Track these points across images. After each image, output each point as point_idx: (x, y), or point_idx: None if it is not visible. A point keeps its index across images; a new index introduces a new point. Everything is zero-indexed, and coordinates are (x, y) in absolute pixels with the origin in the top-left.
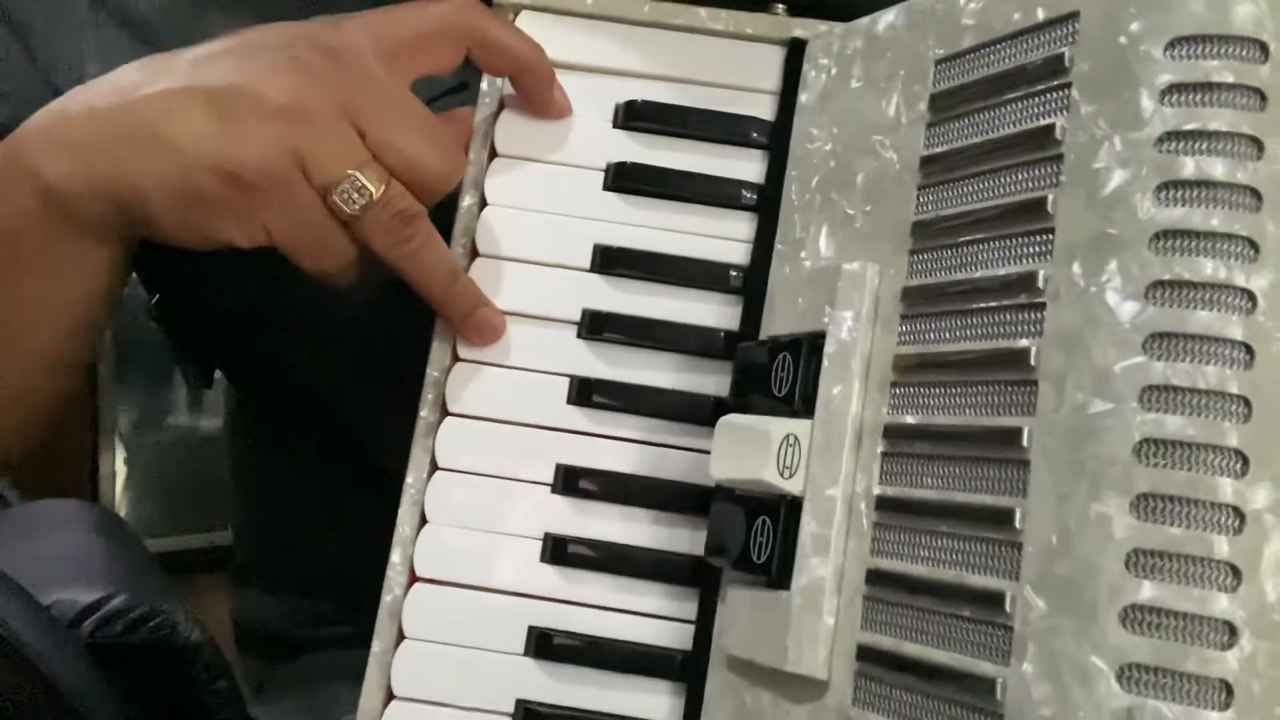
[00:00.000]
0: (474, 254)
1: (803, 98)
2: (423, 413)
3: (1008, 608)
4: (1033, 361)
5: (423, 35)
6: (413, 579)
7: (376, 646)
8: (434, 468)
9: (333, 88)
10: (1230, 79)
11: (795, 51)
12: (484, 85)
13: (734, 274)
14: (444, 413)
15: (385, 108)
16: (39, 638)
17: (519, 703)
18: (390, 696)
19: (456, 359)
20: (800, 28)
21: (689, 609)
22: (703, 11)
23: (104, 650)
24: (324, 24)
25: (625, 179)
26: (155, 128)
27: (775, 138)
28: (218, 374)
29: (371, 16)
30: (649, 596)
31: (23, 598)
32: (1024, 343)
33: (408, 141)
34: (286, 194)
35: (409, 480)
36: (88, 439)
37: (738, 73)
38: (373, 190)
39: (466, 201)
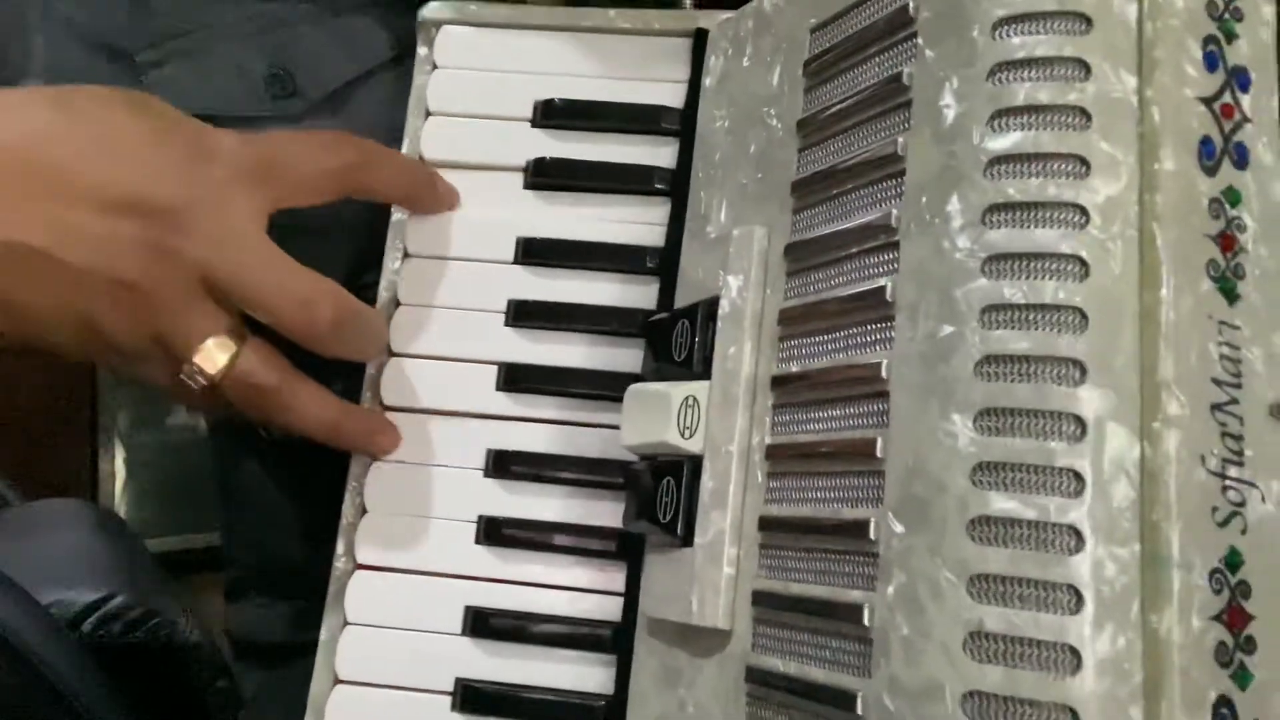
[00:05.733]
0: (405, 254)
1: (706, 82)
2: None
3: (872, 534)
4: (889, 297)
5: (302, 176)
6: (356, 567)
7: (324, 634)
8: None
9: (185, 249)
10: (1053, 6)
11: (700, 41)
12: (416, 79)
13: (650, 257)
14: (381, 407)
15: (244, 261)
16: (38, 637)
17: (458, 681)
18: (337, 681)
19: (391, 354)
20: (704, 19)
21: (620, 581)
22: (611, 12)
23: (104, 650)
24: (196, 131)
25: (544, 174)
26: None
27: (685, 124)
28: None
29: (252, 141)
30: (581, 571)
31: (23, 598)
32: (882, 281)
33: (266, 294)
34: (145, 365)
35: (352, 472)
36: (87, 439)
37: (651, 66)
38: (210, 371)
39: (396, 215)
